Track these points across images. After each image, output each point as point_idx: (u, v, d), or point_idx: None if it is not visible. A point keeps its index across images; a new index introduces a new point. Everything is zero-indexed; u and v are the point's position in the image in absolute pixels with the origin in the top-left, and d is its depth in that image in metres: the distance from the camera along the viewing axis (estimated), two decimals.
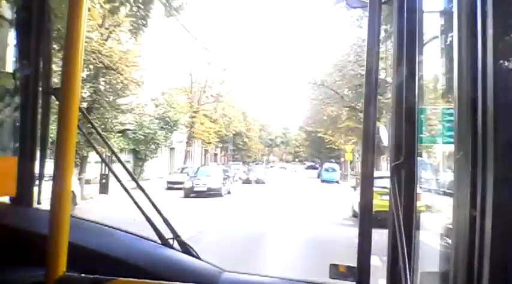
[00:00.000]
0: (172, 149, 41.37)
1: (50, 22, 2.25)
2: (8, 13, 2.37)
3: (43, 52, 2.18)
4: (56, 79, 2.09)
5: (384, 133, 3.69)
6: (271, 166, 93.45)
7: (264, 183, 41.08)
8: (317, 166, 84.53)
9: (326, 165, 52.26)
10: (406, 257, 1.33)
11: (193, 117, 42.90)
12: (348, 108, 39.39)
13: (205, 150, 49.70)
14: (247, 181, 41.19)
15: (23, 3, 2.22)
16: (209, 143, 48.21)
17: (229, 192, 28.55)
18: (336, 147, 55.97)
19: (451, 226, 1.08)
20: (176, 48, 38.39)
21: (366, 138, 1.48)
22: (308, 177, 60.24)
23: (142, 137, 31.15)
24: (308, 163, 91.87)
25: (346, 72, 37.05)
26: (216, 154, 68.09)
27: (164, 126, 33.58)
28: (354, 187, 18.40)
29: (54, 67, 2.23)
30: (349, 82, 36.91)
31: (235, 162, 62.60)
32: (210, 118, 46.45)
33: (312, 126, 62.74)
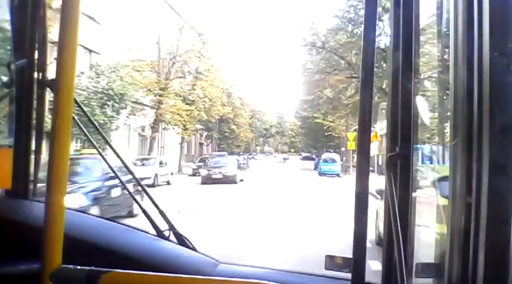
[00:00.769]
0: (143, 136, 35.77)
1: (46, 13, 2.24)
2: (4, 3, 2.35)
3: (38, 43, 2.17)
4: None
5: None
6: (266, 155, 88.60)
7: (235, 182, 30.40)
8: (313, 156, 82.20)
9: (325, 156, 45.54)
10: (402, 248, 1.33)
11: (160, 95, 34.72)
12: (355, 80, 30.39)
13: (181, 137, 40.79)
14: (208, 180, 29.73)
15: None
16: (185, 129, 39.27)
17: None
18: (336, 134, 49.24)
19: (446, 214, 1.08)
20: (140, 10, 30.87)
21: (362, 126, 1.47)
22: (303, 168, 55.93)
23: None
24: (304, 154, 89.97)
25: (353, 32, 31.14)
26: (201, 144, 59.99)
27: (108, 102, 25.14)
28: (380, 194, 10.09)
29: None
30: (356, 46, 29.44)
31: (221, 152, 51.30)
32: (186, 98, 38.83)
33: (308, 111, 56.36)
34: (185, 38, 38.41)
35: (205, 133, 57.80)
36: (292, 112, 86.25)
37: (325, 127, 48.21)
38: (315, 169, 50.53)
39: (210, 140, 61.23)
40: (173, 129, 38.24)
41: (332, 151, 51.60)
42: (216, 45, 45.22)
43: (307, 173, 46.19)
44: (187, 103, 38.55)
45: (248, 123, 72.68)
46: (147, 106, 34.40)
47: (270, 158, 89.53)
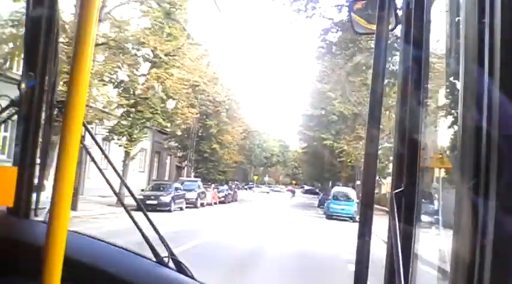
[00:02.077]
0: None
1: (58, 35, 2.27)
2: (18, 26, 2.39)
3: (50, 64, 2.20)
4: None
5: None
6: (266, 191, 78.05)
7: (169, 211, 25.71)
8: (317, 190, 72.62)
9: (336, 191, 33.56)
10: None
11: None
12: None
13: (125, 152, 28.43)
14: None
15: (32, 16, 2.25)
16: (131, 140, 27.86)
17: None
18: (349, 162, 36.47)
19: (449, 256, 1.07)
20: None
21: (367, 155, 1.47)
22: (304, 204, 47.60)
23: None
24: (307, 187, 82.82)
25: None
26: (179, 167, 49.44)
27: None
28: None
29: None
30: None
31: (191, 180, 38.38)
32: (130, 92, 27.39)
33: (314, 130, 45.59)
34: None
35: (180, 153, 46.88)
36: (296, 140, 76.91)
37: (336, 152, 38.96)
38: (319, 206, 42.05)
39: (185, 162, 47.55)
40: (113, 139, 27.65)
41: (341, 184, 40.75)
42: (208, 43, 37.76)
43: (310, 213, 36.38)
44: (135, 101, 27.56)
45: (238, 144, 56.56)
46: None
47: (262, 192, 78.22)
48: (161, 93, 29.21)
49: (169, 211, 26.43)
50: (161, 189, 29.58)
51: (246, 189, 76.70)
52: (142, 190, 29.56)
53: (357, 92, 32.38)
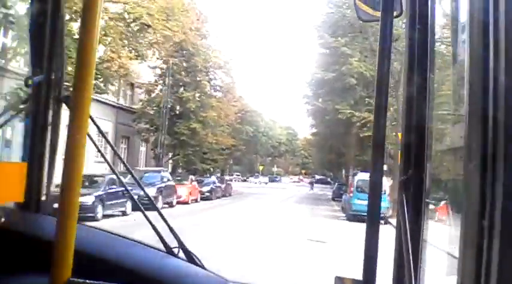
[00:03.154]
0: None
1: (64, 30, 2.28)
2: (24, 22, 2.40)
3: (56, 59, 2.21)
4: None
5: None
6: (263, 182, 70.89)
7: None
8: (329, 180, 66.42)
9: (361, 179, 22.51)
10: (413, 273, 1.32)
11: None
12: None
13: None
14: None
15: (37, 12, 2.25)
16: None
17: None
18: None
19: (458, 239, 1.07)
20: None
21: (376, 142, 1.47)
22: (315, 197, 38.86)
23: None
24: (318, 177, 74.04)
25: None
26: (157, 155, 34.03)
27: None
28: None
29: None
30: None
31: (154, 170, 28.24)
32: None
33: (325, 101, 33.22)
34: None
35: (153, 138, 34.69)
36: (305, 127, 64.24)
37: (356, 125, 28.25)
38: (334, 199, 34.96)
39: (157, 147, 34.17)
40: None
41: (360, 170, 28.14)
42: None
43: (323, 211, 27.65)
44: None
45: (229, 124, 43.72)
46: None
47: (261, 183, 69.99)
48: None
49: (93, 219, 17.02)
50: (87, 184, 18.40)
51: (244, 180, 72.77)
52: None
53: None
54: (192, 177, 31.76)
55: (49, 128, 2.20)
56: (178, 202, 25.85)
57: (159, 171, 27.05)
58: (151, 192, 21.00)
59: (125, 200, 19.24)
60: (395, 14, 1.62)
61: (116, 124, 32.56)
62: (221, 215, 23.08)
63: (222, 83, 40.88)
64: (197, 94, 35.39)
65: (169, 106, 33.39)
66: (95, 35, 1.66)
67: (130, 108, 33.77)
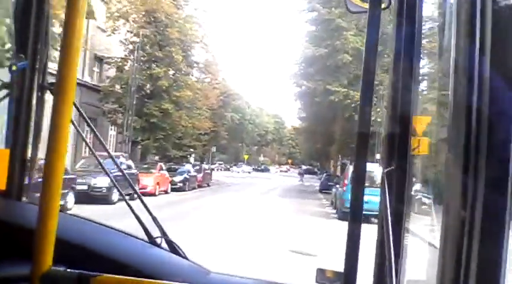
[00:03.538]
0: None
1: (49, 16, 2.25)
2: (7, 6, 2.36)
3: (40, 45, 2.18)
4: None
5: None
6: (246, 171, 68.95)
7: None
8: (315, 170, 65.19)
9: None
10: (393, 264, 1.33)
11: None
12: None
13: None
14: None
15: None
16: None
17: None
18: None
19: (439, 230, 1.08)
20: None
21: (361, 130, 1.47)
22: (301, 190, 35.61)
23: None
24: (305, 167, 71.22)
25: None
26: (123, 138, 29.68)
27: None
28: None
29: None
30: None
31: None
32: None
33: (315, 80, 29.70)
34: None
35: (121, 120, 30.36)
36: (293, 116, 64.85)
37: (351, 106, 26.02)
38: (321, 191, 32.77)
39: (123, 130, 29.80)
40: None
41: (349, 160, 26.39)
42: None
43: (310, 207, 24.59)
44: None
45: (210, 108, 40.18)
46: None
47: (244, 172, 67.93)
48: None
49: None
50: None
51: (227, 169, 71.28)
52: None
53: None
54: (161, 164, 28.11)
55: (32, 115, 2.17)
56: (143, 194, 20.01)
57: (118, 157, 21.44)
58: (105, 181, 18.02)
59: (66, 191, 15.89)
60: (383, 6, 1.62)
61: (80, 104, 28.33)
62: (185, 213, 18.63)
63: (200, 60, 37.23)
64: (171, 72, 31.98)
65: (138, 83, 29.90)
66: (80, 19, 1.64)
67: (97, 86, 29.90)
